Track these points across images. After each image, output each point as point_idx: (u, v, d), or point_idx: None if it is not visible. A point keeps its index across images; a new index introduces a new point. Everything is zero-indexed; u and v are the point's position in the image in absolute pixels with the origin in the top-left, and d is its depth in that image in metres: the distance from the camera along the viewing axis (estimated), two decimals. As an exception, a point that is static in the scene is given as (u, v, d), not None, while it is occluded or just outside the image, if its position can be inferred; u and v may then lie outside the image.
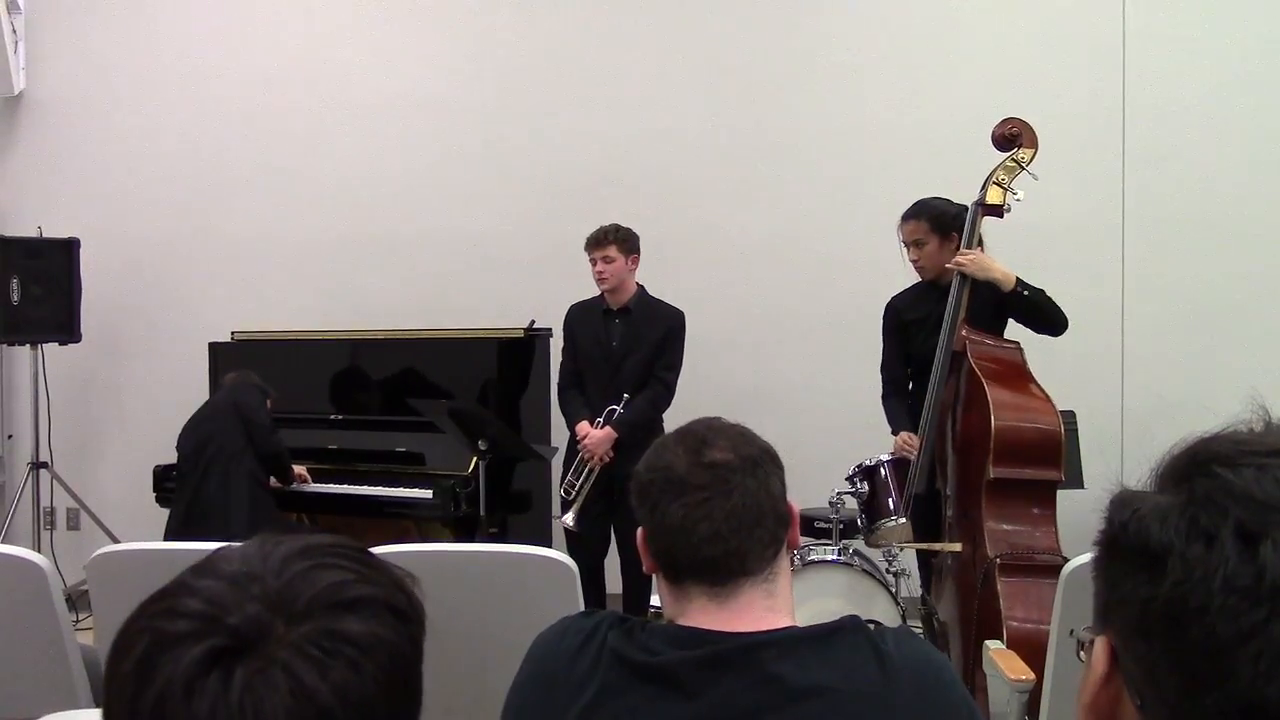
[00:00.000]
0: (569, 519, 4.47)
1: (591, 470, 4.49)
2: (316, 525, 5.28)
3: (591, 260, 4.59)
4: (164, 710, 0.75)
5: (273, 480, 4.90)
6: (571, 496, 4.51)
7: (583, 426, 4.55)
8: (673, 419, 4.47)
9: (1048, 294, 3.77)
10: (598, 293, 4.67)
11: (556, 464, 4.84)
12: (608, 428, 4.50)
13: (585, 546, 4.41)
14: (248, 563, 0.82)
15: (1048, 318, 3.78)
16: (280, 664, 0.76)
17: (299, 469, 5.04)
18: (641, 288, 4.70)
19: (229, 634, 0.76)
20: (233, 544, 0.86)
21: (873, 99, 5.42)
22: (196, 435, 4.77)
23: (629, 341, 4.62)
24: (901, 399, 4.13)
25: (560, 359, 4.81)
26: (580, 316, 4.74)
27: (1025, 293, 3.73)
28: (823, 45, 5.51)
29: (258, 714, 0.75)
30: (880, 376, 4.19)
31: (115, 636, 0.80)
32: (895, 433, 4.04)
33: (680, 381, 4.66)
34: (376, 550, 0.91)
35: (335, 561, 0.83)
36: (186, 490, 4.75)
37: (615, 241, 4.56)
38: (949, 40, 5.37)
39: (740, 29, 5.57)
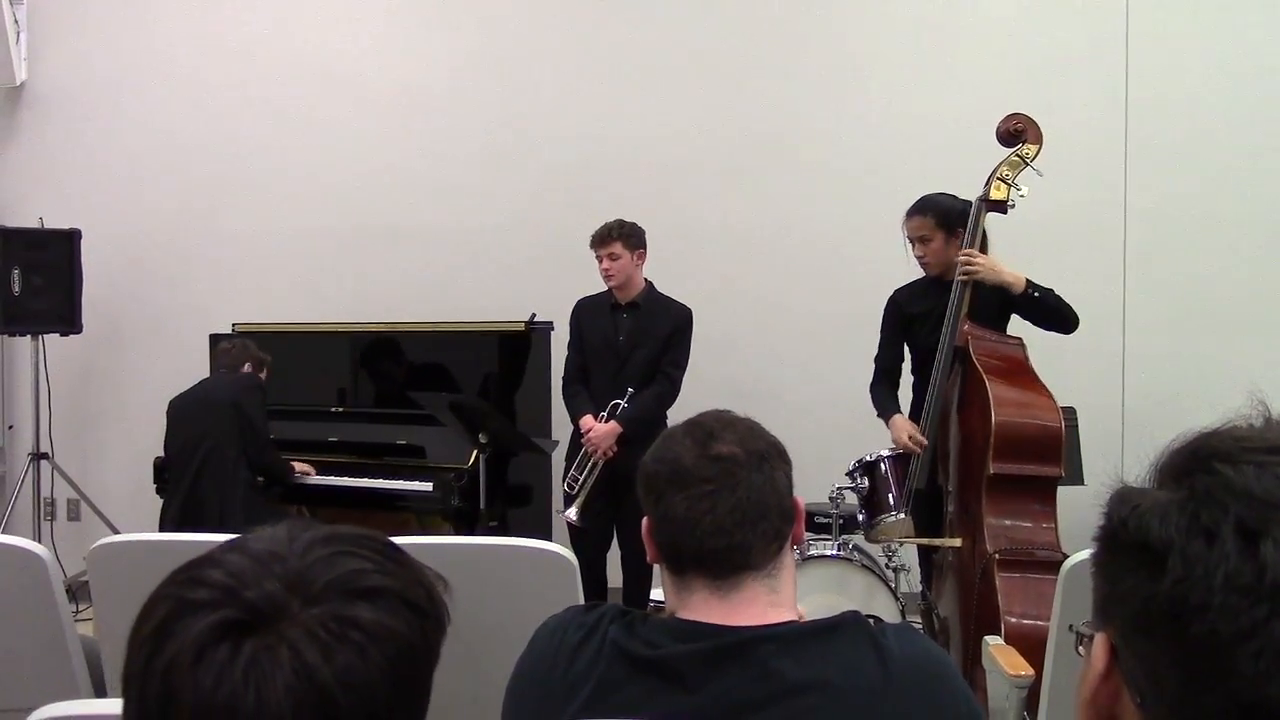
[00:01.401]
0: (572, 514, 4.47)
1: (595, 465, 4.49)
2: (316, 518, 5.28)
3: (597, 258, 4.57)
4: (172, 676, 0.77)
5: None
6: (575, 491, 4.51)
7: (587, 421, 4.54)
8: (674, 414, 4.47)
9: (1057, 293, 3.76)
10: (605, 288, 4.67)
11: (558, 458, 4.84)
12: (612, 422, 4.49)
13: (587, 541, 4.40)
14: (275, 543, 0.84)
15: (1059, 317, 3.76)
16: (288, 642, 0.77)
17: (300, 465, 5.03)
18: (650, 283, 4.68)
19: (244, 607, 0.78)
20: (265, 529, 0.87)
21: (876, 95, 5.42)
22: (190, 428, 4.72)
23: (636, 336, 4.61)
24: (890, 388, 4.12)
25: (566, 353, 4.80)
26: (588, 310, 4.73)
27: (1036, 294, 3.72)
28: (826, 41, 5.50)
29: (259, 688, 0.76)
30: (874, 365, 4.19)
31: (145, 604, 0.83)
32: (884, 417, 4.02)
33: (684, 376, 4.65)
34: None
35: (358, 550, 0.85)
36: (180, 489, 4.72)
37: (620, 238, 4.54)
38: (953, 36, 5.36)
39: (745, 25, 5.56)
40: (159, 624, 0.80)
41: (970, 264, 3.71)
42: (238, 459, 4.68)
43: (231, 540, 0.86)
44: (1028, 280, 3.71)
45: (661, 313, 4.64)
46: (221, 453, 4.66)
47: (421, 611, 0.85)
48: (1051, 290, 3.75)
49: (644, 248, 4.63)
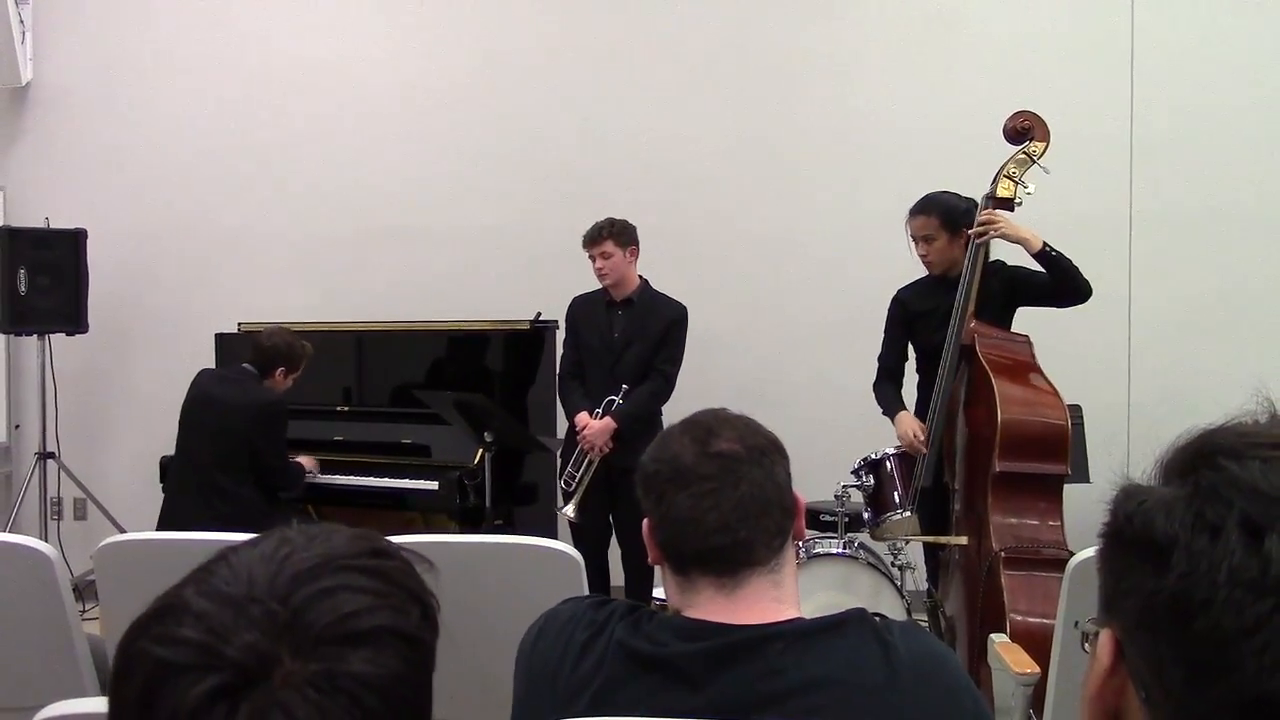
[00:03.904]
0: (569, 510, 4.48)
1: (591, 462, 4.50)
2: (320, 517, 5.27)
3: (590, 258, 4.60)
4: None
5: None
6: (572, 488, 4.52)
7: (582, 418, 4.56)
8: (680, 413, 4.45)
9: (1069, 259, 3.75)
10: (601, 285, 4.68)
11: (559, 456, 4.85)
12: (607, 419, 4.51)
13: (587, 538, 4.41)
14: (252, 581, 0.79)
15: (1073, 282, 3.73)
16: (281, 706, 0.74)
17: (308, 461, 5.02)
18: (645, 280, 4.70)
19: (230, 669, 0.75)
20: (242, 547, 0.83)
21: (879, 95, 5.41)
22: (200, 437, 4.61)
23: (630, 333, 4.63)
24: (894, 386, 4.12)
25: (562, 350, 4.81)
26: (583, 308, 4.76)
27: (1053, 253, 3.70)
28: (830, 41, 5.50)
29: None
30: (877, 365, 4.18)
31: (117, 654, 0.79)
32: (889, 414, 4.02)
33: (687, 376, 4.66)
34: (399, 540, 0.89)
35: (351, 581, 0.80)
36: (184, 504, 4.60)
37: (611, 236, 4.57)
38: (958, 37, 5.36)
39: (748, 25, 5.55)
40: (142, 690, 0.76)
41: (991, 220, 3.70)
42: (241, 482, 4.55)
43: (201, 575, 0.81)
44: (1044, 242, 3.70)
45: (656, 310, 4.66)
46: (223, 478, 4.53)
47: (417, 641, 0.81)
48: (1066, 256, 3.73)
49: (636, 244, 4.64)
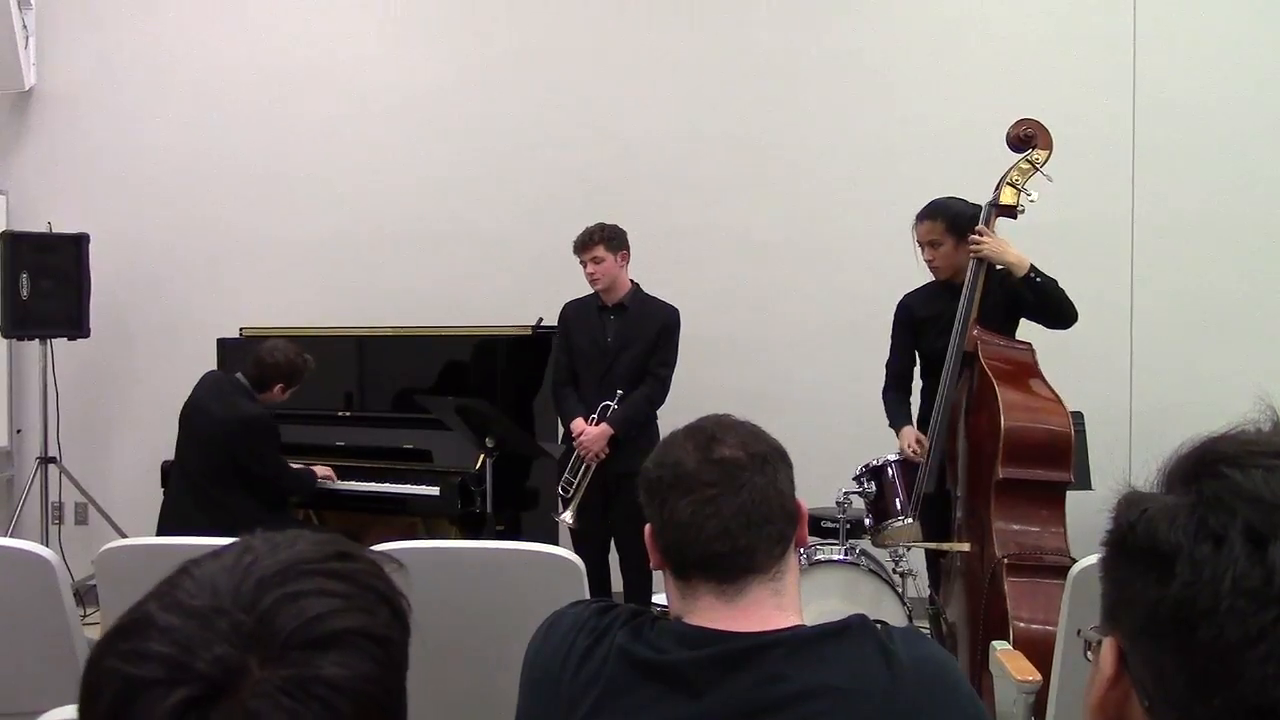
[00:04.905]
0: (567, 516, 4.49)
1: (588, 467, 4.50)
2: (321, 523, 5.27)
3: (582, 263, 4.60)
4: None
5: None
6: (569, 494, 4.52)
7: (578, 424, 4.56)
8: (681, 418, 4.44)
9: (1060, 286, 3.74)
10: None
11: (558, 461, 4.85)
12: (603, 424, 4.51)
13: (587, 543, 4.41)
14: (216, 592, 0.78)
15: (1057, 308, 3.73)
16: (253, 715, 0.74)
17: (322, 470, 5.00)
18: (636, 285, 4.71)
19: (200, 681, 0.74)
20: (204, 559, 0.82)
21: (882, 100, 5.41)
22: (192, 452, 4.61)
23: (624, 338, 4.63)
24: (903, 395, 4.11)
25: (555, 356, 4.82)
26: (576, 313, 4.76)
27: (1037, 280, 3.70)
28: (831, 45, 5.49)
29: None
30: (885, 372, 4.18)
31: (84, 673, 0.78)
32: (894, 427, 4.01)
33: (687, 381, 4.66)
34: (381, 548, 0.89)
35: (317, 585, 0.79)
36: (179, 508, 4.60)
37: (602, 241, 4.58)
38: (960, 41, 5.35)
39: (749, 29, 5.56)
40: (110, 708, 0.75)
41: (979, 240, 3.70)
42: (231, 490, 4.52)
43: (165, 589, 0.80)
44: (1032, 265, 3.70)
45: (649, 314, 4.66)
46: (213, 486, 4.52)
47: (388, 642, 0.81)
48: (1055, 281, 3.73)
49: (626, 249, 4.65)
